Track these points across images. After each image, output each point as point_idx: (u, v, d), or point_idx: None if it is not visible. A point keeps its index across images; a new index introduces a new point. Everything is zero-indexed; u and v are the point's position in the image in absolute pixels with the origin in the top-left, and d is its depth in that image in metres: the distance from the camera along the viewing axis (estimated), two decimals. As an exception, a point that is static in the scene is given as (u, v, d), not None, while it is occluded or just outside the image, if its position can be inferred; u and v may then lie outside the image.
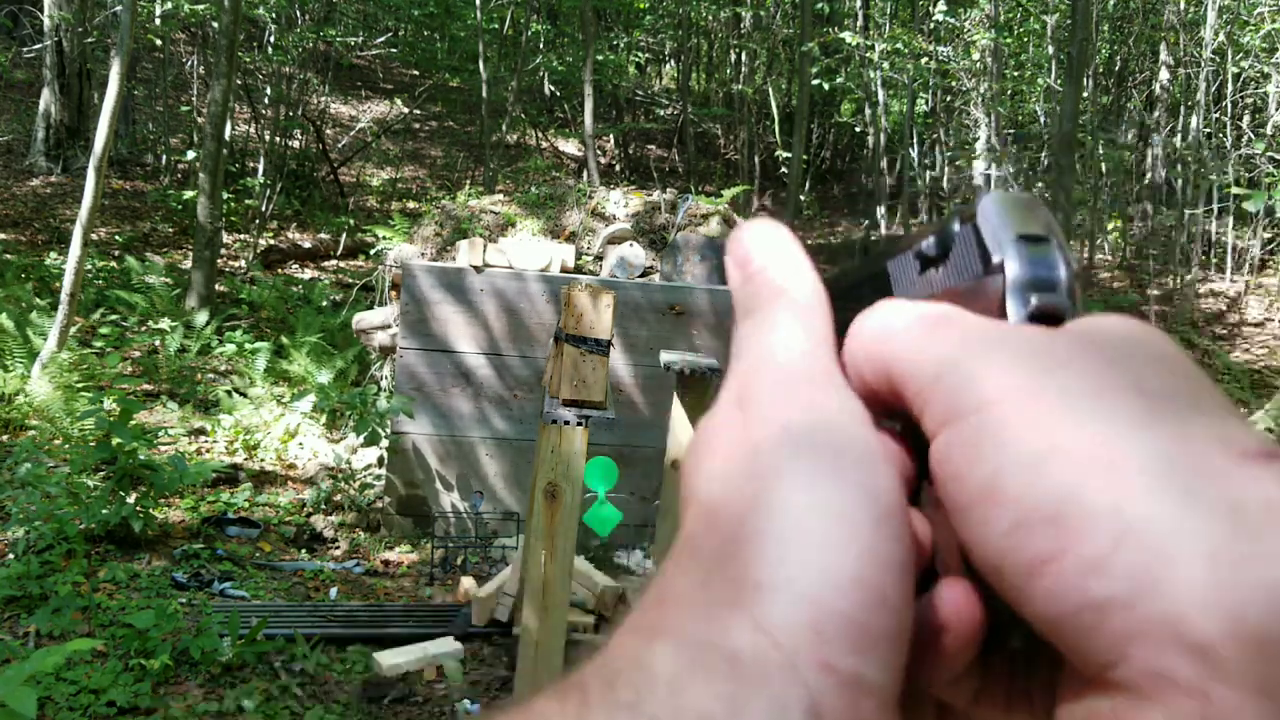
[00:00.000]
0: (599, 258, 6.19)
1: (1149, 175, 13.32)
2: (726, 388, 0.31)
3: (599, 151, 15.67)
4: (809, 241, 15.17)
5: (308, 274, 11.58)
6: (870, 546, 0.25)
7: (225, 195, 10.98)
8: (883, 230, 15.23)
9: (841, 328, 0.33)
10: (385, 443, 5.77)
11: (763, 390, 0.29)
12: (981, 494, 0.25)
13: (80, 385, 6.83)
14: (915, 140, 15.73)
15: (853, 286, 0.36)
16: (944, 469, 0.26)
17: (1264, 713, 0.21)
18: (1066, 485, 0.24)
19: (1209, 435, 0.24)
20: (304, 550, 5.47)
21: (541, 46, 17.12)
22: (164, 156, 13.63)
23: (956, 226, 0.31)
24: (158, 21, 12.12)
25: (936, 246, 0.32)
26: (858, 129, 17.24)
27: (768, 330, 0.31)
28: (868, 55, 13.89)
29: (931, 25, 13.92)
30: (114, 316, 8.56)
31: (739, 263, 0.33)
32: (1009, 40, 14.42)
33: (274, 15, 13.73)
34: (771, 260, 0.32)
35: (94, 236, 8.58)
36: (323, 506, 5.81)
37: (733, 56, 19.00)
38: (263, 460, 6.56)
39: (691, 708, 0.23)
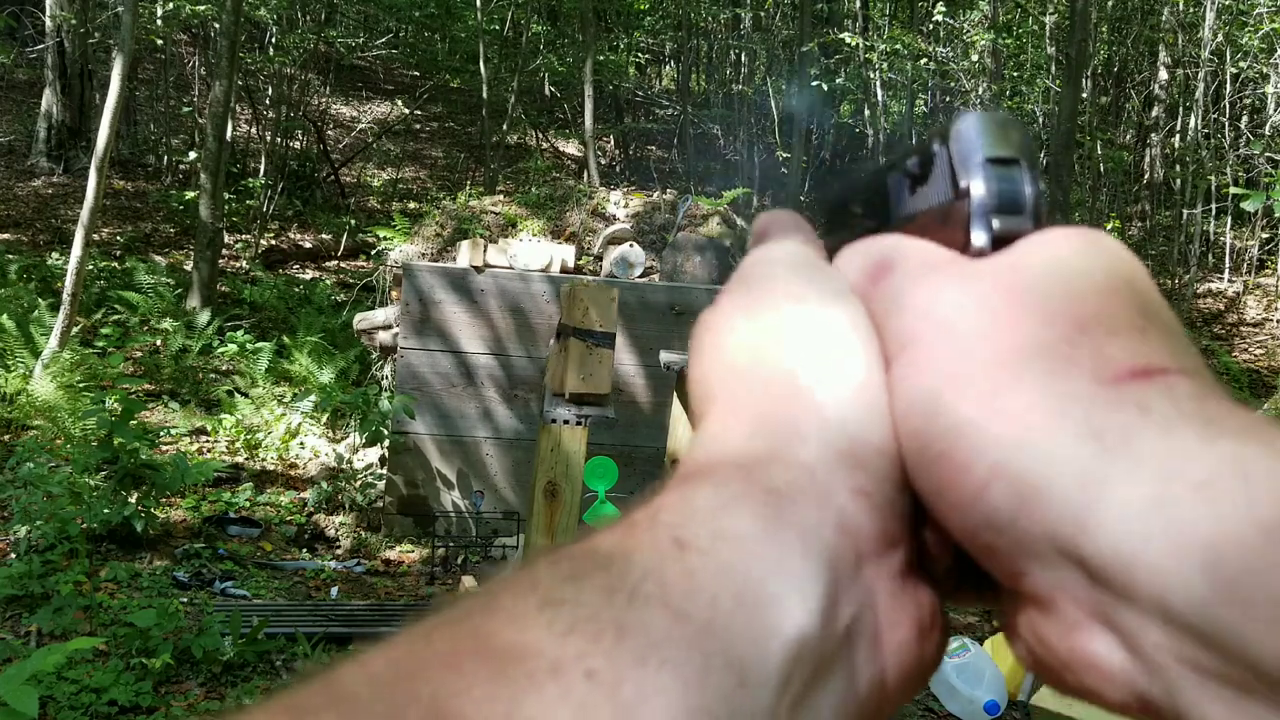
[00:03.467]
0: (599, 258, 6.20)
1: (1147, 175, 13.33)
2: (732, 280, 0.34)
3: (599, 152, 15.68)
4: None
5: (309, 274, 11.60)
6: (882, 382, 0.29)
7: (227, 195, 11.00)
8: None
9: (850, 235, 0.35)
10: (386, 442, 5.78)
11: (769, 272, 0.33)
12: (900, 425, 0.28)
13: (82, 385, 6.85)
14: (914, 141, 15.71)
15: (859, 197, 0.37)
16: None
17: (1131, 618, 0.23)
18: (955, 420, 0.26)
19: (1093, 358, 0.26)
20: (305, 550, 5.48)
21: (542, 47, 17.13)
22: (165, 157, 13.65)
23: (935, 147, 0.32)
24: (159, 22, 12.14)
25: (919, 166, 0.33)
26: (857, 129, 17.24)
27: (769, 244, 0.34)
28: (867, 56, 13.90)
29: (930, 26, 13.94)
30: (116, 316, 8.58)
31: (756, 230, 0.37)
32: (1008, 41, 14.43)
33: (275, 16, 13.75)
34: (779, 220, 0.36)
35: (96, 237, 8.60)
36: (324, 506, 5.83)
37: (732, 57, 19.02)
38: (264, 460, 6.57)
39: (730, 528, 0.25)
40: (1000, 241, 0.29)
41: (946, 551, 0.29)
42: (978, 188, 0.30)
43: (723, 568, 0.24)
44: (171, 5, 11.48)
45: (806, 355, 0.29)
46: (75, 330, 7.40)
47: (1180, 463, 0.23)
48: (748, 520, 0.25)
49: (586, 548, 0.24)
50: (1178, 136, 12.68)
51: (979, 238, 0.30)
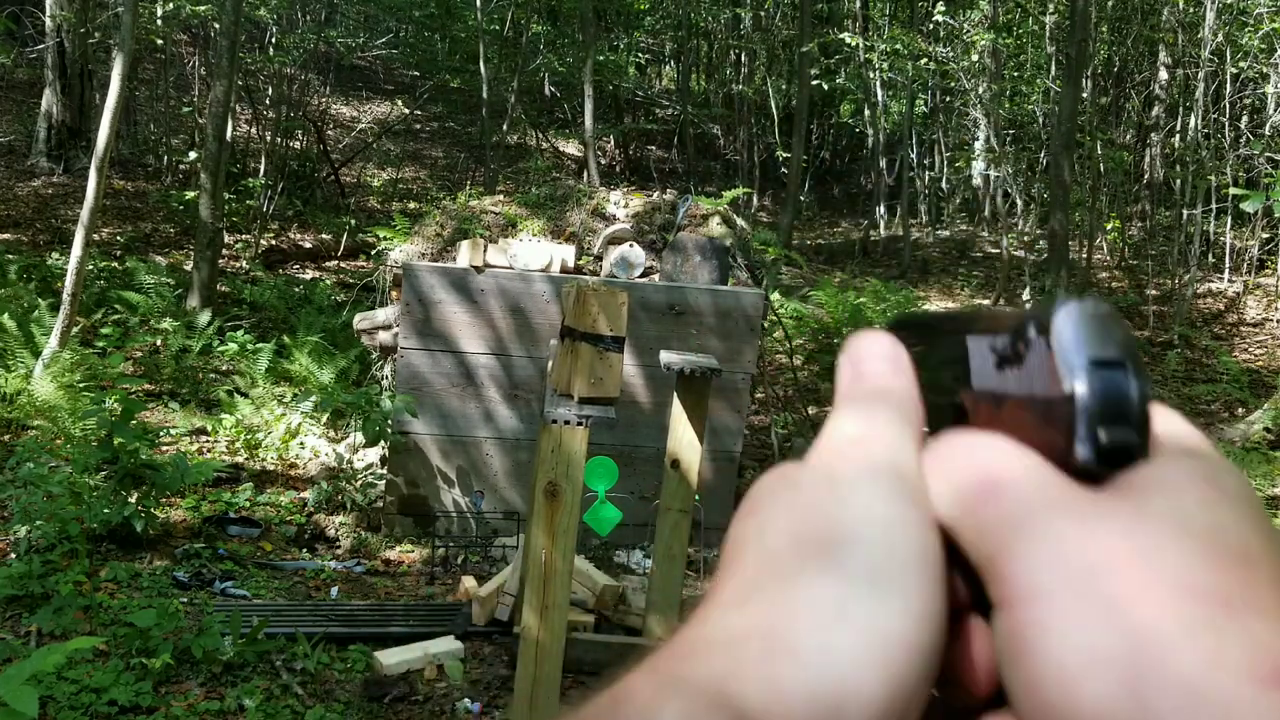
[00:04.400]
0: (599, 258, 6.20)
1: (1147, 175, 13.34)
2: (812, 452, 0.31)
3: (599, 152, 15.67)
4: (809, 242, 15.18)
5: (309, 274, 11.59)
6: (900, 672, 0.26)
7: (227, 195, 10.99)
8: (882, 231, 15.25)
9: (922, 391, 0.33)
10: (386, 442, 5.78)
11: (848, 472, 0.30)
12: (1024, 688, 0.26)
13: (82, 385, 6.85)
14: (914, 141, 15.75)
15: (936, 349, 0.35)
16: (999, 645, 0.27)
17: None
18: (1091, 713, 0.24)
19: (1243, 647, 0.24)
20: (305, 550, 5.48)
21: (542, 47, 17.13)
22: (165, 157, 13.65)
23: (1032, 333, 0.30)
24: (159, 22, 12.14)
25: (1011, 348, 0.31)
26: (857, 129, 17.25)
27: (866, 419, 0.32)
28: (867, 56, 13.90)
29: (930, 26, 13.94)
30: (116, 316, 8.58)
31: (852, 360, 0.34)
32: (1008, 41, 14.44)
33: (275, 16, 13.75)
34: (882, 365, 0.33)
35: (96, 237, 8.59)
36: (324, 506, 5.83)
37: (732, 57, 19.02)
38: (264, 460, 6.57)
39: None
40: (1105, 454, 0.28)
41: None
42: (1083, 394, 0.28)
43: None
44: (171, 5, 11.48)
45: (819, 597, 0.27)
46: (75, 330, 7.40)
47: None
48: None
49: None
50: (1178, 136, 12.68)
51: (1083, 451, 0.28)
